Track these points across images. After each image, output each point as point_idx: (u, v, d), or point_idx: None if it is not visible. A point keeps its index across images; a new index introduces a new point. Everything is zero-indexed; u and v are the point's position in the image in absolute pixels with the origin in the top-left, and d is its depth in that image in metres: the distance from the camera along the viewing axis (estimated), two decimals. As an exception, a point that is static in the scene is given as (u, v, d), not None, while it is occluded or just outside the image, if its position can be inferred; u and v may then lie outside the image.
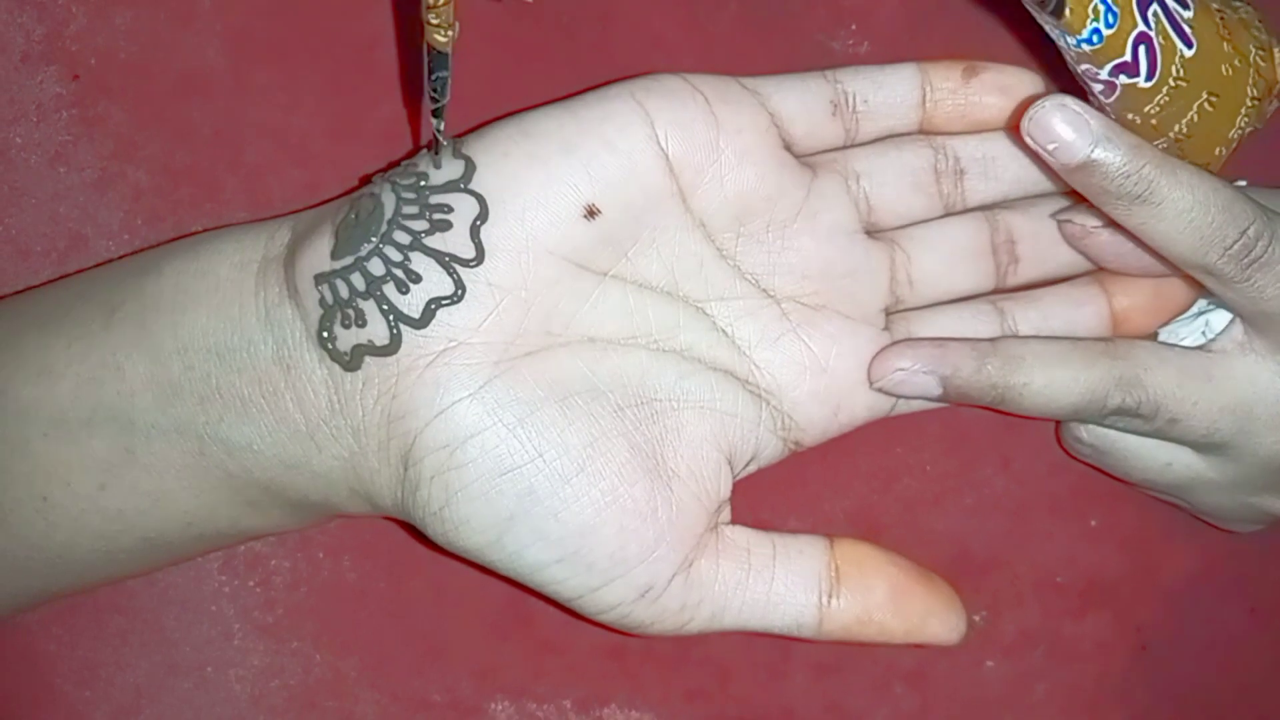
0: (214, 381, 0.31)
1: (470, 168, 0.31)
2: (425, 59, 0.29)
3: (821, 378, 0.33)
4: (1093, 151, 0.29)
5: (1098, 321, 0.34)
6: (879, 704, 0.38)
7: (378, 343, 0.30)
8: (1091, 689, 0.38)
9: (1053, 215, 0.34)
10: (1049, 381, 0.32)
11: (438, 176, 0.31)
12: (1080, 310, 0.34)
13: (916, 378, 0.33)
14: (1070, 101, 0.29)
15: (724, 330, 0.33)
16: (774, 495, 0.37)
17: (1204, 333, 0.34)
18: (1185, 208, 0.30)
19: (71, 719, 0.36)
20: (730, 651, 0.37)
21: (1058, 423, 0.37)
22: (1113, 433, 0.35)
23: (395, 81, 0.37)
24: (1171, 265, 0.32)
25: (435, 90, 0.29)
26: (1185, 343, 0.34)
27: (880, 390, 0.33)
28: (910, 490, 0.38)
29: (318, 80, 0.36)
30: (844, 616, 0.32)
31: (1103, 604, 0.38)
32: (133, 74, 0.36)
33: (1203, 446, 0.34)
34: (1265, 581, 0.39)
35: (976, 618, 0.38)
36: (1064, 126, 0.29)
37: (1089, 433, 0.35)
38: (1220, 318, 0.34)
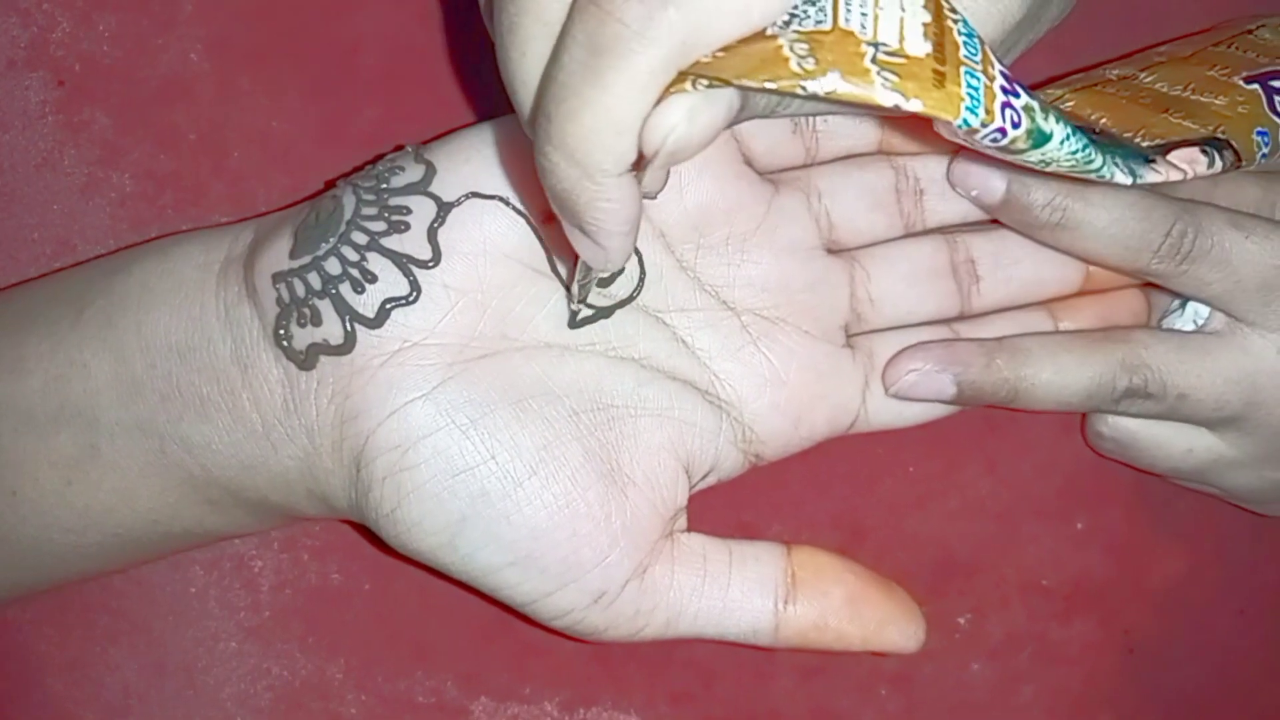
0: (175, 380, 0.31)
1: (430, 171, 0.31)
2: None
3: (781, 390, 0.33)
4: (1007, 191, 0.32)
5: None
6: (864, 706, 0.38)
7: (332, 342, 0.30)
8: (1078, 691, 0.38)
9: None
10: (1058, 369, 0.33)
11: (398, 180, 0.31)
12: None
13: (930, 379, 0.33)
14: None
15: (684, 340, 0.33)
16: (756, 498, 0.37)
17: (1195, 320, 0.35)
18: (1103, 225, 0.33)
19: (61, 718, 0.36)
20: (715, 653, 0.37)
21: (1081, 421, 0.37)
22: (1133, 424, 0.35)
23: (378, 85, 0.37)
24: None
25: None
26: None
27: (895, 396, 0.34)
28: (893, 493, 0.38)
29: (301, 84, 0.37)
30: (800, 622, 0.32)
31: (1089, 606, 0.38)
32: (117, 80, 0.36)
33: (1217, 424, 0.34)
34: (1253, 583, 0.38)
35: (962, 620, 0.38)
36: (980, 174, 0.33)
37: (1110, 427, 0.36)
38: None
